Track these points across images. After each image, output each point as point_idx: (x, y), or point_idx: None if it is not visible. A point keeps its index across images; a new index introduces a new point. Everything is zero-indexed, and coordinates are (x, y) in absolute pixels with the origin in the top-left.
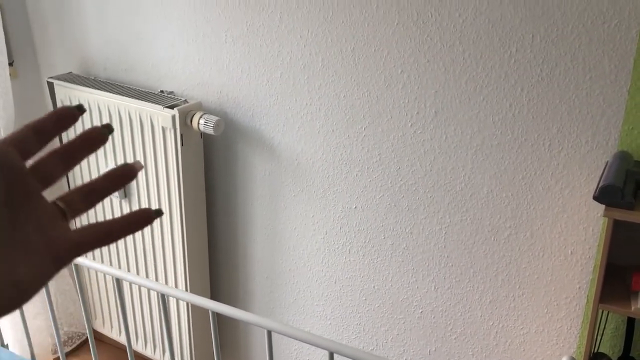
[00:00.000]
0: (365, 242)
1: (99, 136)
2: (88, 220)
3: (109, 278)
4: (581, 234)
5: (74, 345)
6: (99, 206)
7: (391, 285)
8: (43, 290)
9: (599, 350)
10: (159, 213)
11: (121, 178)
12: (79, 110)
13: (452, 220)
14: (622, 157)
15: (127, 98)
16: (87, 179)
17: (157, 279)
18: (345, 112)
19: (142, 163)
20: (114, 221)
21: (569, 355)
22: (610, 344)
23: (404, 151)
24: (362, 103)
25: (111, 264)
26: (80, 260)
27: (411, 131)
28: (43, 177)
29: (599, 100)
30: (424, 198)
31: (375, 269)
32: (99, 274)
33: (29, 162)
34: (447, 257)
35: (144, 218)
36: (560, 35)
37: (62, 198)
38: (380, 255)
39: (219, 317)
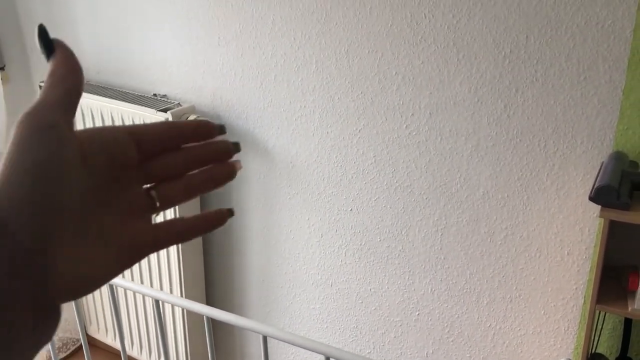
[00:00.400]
0: (361, 244)
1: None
2: None
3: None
4: (577, 234)
5: (68, 352)
6: None
7: (387, 288)
8: None
9: (596, 351)
10: (232, 213)
11: (223, 175)
12: (220, 130)
13: (448, 221)
14: (618, 158)
15: (120, 102)
16: None
17: (152, 285)
18: (340, 114)
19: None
20: (192, 219)
21: (566, 357)
22: (607, 345)
23: (399, 153)
24: (357, 105)
25: None
26: None
27: (406, 133)
28: (154, 177)
29: (593, 101)
30: (419, 200)
31: (371, 272)
32: None
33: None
34: (444, 258)
35: (219, 218)
36: (555, 36)
37: (158, 188)
38: (376, 258)
39: (214, 322)
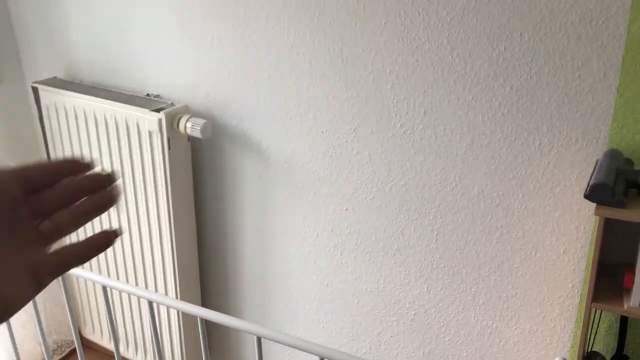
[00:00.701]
0: (356, 244)
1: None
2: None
3: (98, 285)
4: (573, 232)
5: (63, 354)
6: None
7: (383, 287)
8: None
9: (592, 349)
10: (117, 234)
11: (104, 202)
12: (89, 166)
13: (444, 220)
14: (612, 155)
15: (113, 102)
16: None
17: (147, 286)
18: (334, 113)
19: (129, 168)
20: (81, 244)
21: (562, 357)
22: (603, 343)
23: (394, 152)
24: (351, 104)
25: (100, 272)
26: None
27: (401, 132)
28: (41, 211)
29: (588, 99)
30: (414, 199)
31: (367, 271)
32: (87, 281)
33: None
34: (439, 258)
35: (105, 240)
36: (549, 33)
37: (46, 220)
38: (371, 257)
39: (210, 323)
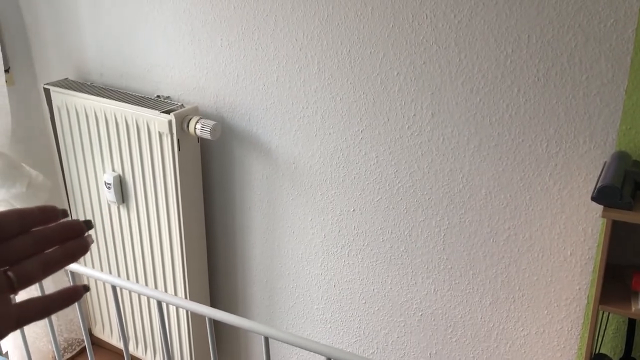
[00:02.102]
0: (363, 245)
1: (79, 241)
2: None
3: (108, 285)
4: (580, 234)
5: (74, 352)
6: (98, 210)
7: (390, 288)
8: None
9: (600, 352)
10: (87, 289)
11: (77, 250)
12: (63, 214)
13: (451, 222)
14: (620, 157)
15: (124, 103)
16: (85, 192)
17: (156, 286)
18: (342, 115)
19: (139, 169)
20: (49, 297)
21: None
22: (611, 345)
23: (402, 153)
24: (359, 106)
25: (110, 271)
26: (77, 267)
27: (408, 133)
28: (9, 259)
29: (596, 100)
30: (422, 200)
31: (374, 272)
32: (98, 281)
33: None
34: (447, 259)
35: (75, 293)
36: (556, 35)
37: (14, 268)
38: (379, 258)
39: (218, 323)
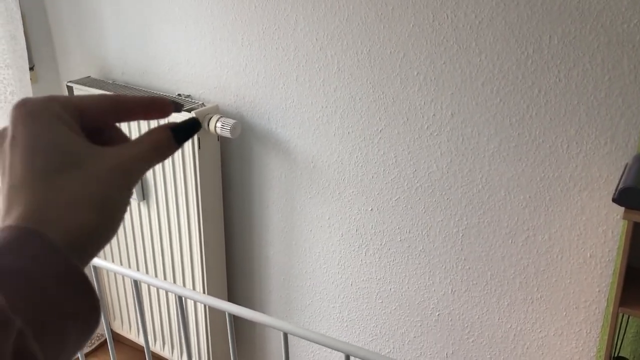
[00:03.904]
0: (381, 244)
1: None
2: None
3: (127, 280)
4: (600, 236)
5: (93, 346)
6: None
7: (408, 288)
8: None
9: (619, 355)
10: (177, 107)
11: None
12: (176, 108)
13: (469, 222)
14: None
15: None
16: None
17: (175, 281)
18: (361, 114)
19: (159, 166)
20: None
21: None
22: (631, 349)
23: (420, 153)
24: (378, 105)
25: (130, 266)
26: (99, 262)
27: (427, 133)
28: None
29: (618, 101)
30: (440, 200)
31: (391, 271)
32: (117, 275)
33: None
34: (464, 259)
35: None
36: (578, 36)
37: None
38: (396, 258)
39: (235, 319)
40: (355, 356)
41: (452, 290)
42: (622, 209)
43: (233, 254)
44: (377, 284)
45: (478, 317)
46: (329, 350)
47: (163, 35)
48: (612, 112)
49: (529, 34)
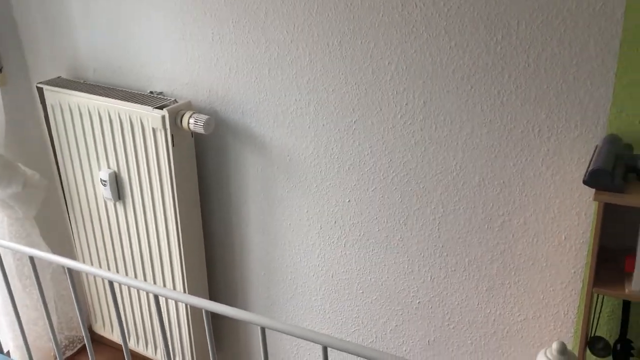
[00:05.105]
0: (360, 235)
1: None
2: (85, 230)
3: (107, 281)
4: (574, 218)
5: (75, 349)
6: (95, 207)
7: (387, 277)
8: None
9: (596, 334)
10: None
11: None
12: None
13: (446, 210)
14: (611, 141)
15: (117, 100)
16: (82, 190)
17: (154, 281)
18: (335, 106)
19: (134, 165)
20: None
21: (559, 341)
22: (607, 328)
23: (395, 143)
24: (351, 96)
25: (109, 268)
26: (75, 264)
27: (401, 122)
28: None
29: (586, 84)
30: (416, 189)
31: (371, 262)
32: (97, 278)
33: None
34: (442, 246)
35: None
36: (545, 21)
37: None
38: (375, 248)
39: (218, 316)
40: (333, 347)
41: (431, 277)
42: (593, 190)
43: (212, 251)
44: (357, 274)
45: (458, 303)
46: (311, 343)
47: (133, 33)
48: (581, 96)
49: (497, 20)
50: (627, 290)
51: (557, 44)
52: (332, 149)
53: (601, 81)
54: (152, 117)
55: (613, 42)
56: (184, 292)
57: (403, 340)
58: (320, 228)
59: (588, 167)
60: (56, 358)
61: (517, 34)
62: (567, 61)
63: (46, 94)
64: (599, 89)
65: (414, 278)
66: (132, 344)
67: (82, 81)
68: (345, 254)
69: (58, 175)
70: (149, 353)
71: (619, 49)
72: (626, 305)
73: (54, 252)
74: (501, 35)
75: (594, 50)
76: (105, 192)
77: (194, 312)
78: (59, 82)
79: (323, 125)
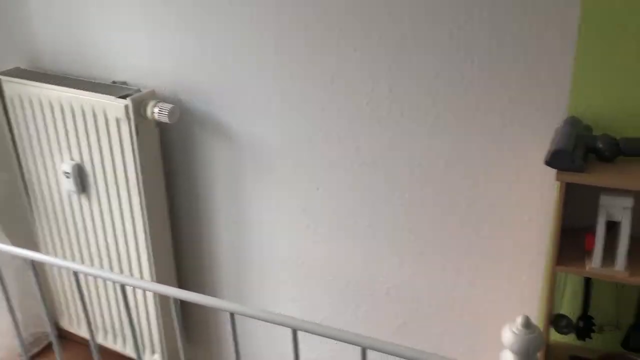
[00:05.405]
0: (329, 222)
1: None
2: (49, 224)
3: (73, 276)
4: (537, 200)
5: (42, 346)
6: (58, 201)
7: (357, 264)
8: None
9: (560, 312)
10: None
11: None
12: None
13: (412, 195)
14: (572, 123)
15: (79, 90)
16: (44, 183)
17: (122, 273)
18: (301, 93)
19: (98, 156)
20: None
21: (524, 315)
22: (570, 305)
23: (362, 130)
24: (317, 84)
25: (75, 260)
26: (39, 256)
27: (367, 109)
28: None
29: (546, 67)
30: (383, 175)
31: (340, 249)
32: (62, 271)
33: None
34: (410, 231)
35: None
36: (507, 4)
37: None
38: (344, 235)
39: (187, 306)
40: (302, 330)
41: (399, 262)
42: (555, 171)
43: (181, 241)
44: (327, 262)
45: (426, 287)
46: (282, 329)
47: (94, 21)
48: (542, 79)
49: (460, 5)
50: (587, 268)
51: (518, 29)
52: (299, 137)
53: (561, 64)
54: (115, 107)
55: (572, 25)
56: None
57: (373, 326)
58: (290, 216)
59: (549, 148)
60: (21, 356)
61: (479, 19)
62: (528, 46)
63: (4, 85)
64: (559, 72)
65: (383, 264)
66: (100, 339)
67: (41, 72)
68: (314, 241)
69: (19, 169)
70: (118, 347)
71: (577, 32)
72: (587, 282)
73: (18, 247)
74: (464, 19)
75: (553, 33)
76: (68, 185)
77: (163, 303)
78: (18, 73)
79: (290, 113)
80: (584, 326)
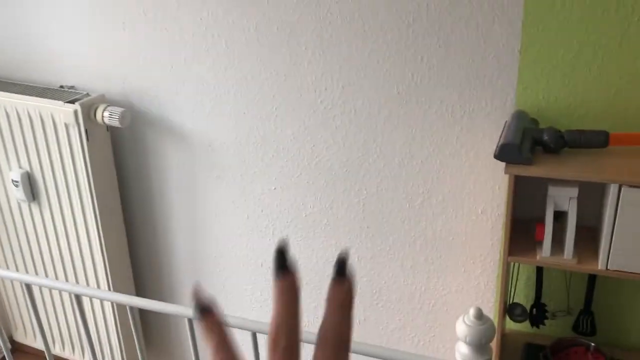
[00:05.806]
0: (287, 222)
1: None
2: (7, 234)
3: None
4: (489, 192)
5: None
6: (7, 210)
7: (316, 262)
8: None
9: (514, 301)
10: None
11: None
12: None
13: (369, 191)
14: (519, 117)
15: (25, 96)
16: None
17: (77, 282)
18: (255, 93)
19: (47, 163)
20: None
21: (476, 307)
22: (524, 294)
23: (317, 128)
24: (271, 83)
25: (27, 272)
26: None
27: (321, 107)
28: None
29: (494, 63)
30: (339, 173)
31: (299, 248)
32: (14, 284)
33: None
34: (367, 227)
35: None
36: (453, 2)
37: None
38: (303, 234)
39: (146, 313)
40: (262, 332)
41: (358, 258)
42: (504, 164)
43: (137, 247)
44: None
45: (385, 282)
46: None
47: (39, 24)
48: (489, 74)
49: (407, 4)
50: (538, 257)
51: (465, 25)
52: (254, 136)
53: (507, 60)
54: (63, 112)
55: (516, 22)
56: (100, 289)
57: None
58: (247, 217)
59: (498, 142)
60: None
61: (427, 17)
62: (474, 41)
63: None
64: (505, 67)
65: None
66: (57, 350)
67: None
68: (273, 242)
69: None
70: (76, 357)
71: (522, 27)
72: (539, 271)
73: None
74: (412, 18)
75: (499, 30)
76: (18, 194)
77: (121, 310)
78: None
79: (244, 113)
80: (537, 313)
